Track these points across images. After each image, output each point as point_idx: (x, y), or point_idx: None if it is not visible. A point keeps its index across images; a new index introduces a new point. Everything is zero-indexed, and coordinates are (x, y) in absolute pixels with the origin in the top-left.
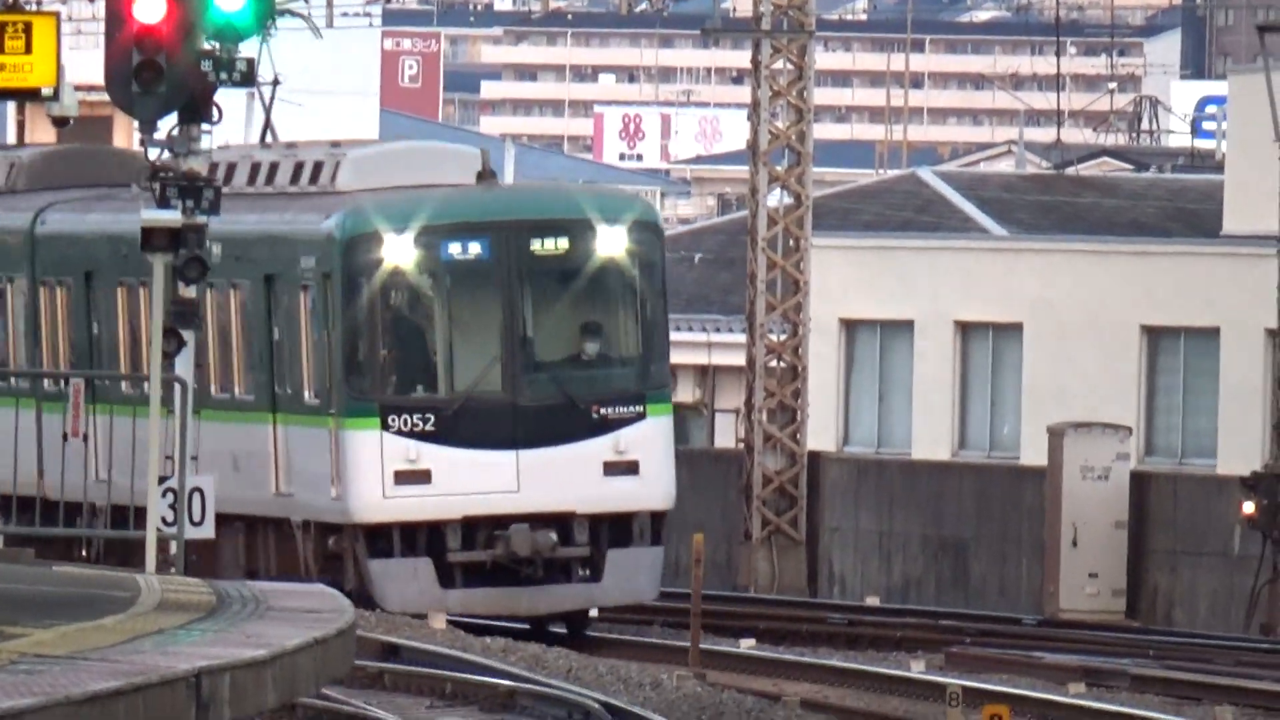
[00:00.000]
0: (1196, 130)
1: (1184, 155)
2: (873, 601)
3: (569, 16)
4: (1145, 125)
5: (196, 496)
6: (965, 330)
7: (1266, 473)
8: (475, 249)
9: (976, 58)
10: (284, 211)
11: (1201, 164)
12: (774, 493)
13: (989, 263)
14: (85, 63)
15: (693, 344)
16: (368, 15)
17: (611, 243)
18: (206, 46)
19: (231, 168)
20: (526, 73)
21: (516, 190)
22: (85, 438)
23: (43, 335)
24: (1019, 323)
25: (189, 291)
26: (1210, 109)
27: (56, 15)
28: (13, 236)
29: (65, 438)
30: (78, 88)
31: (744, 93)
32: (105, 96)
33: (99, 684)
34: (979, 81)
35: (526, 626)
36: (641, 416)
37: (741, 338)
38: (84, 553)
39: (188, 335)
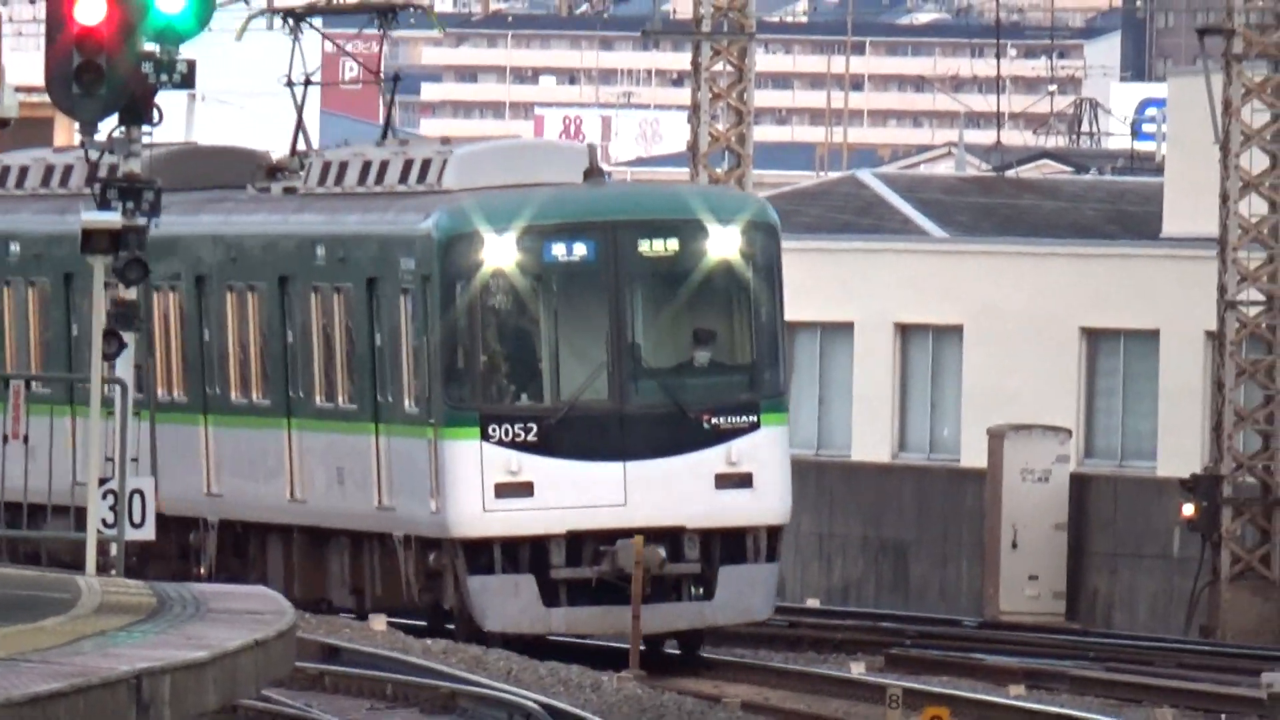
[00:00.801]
0: (1137, 133)
1: (1124, 157)
2: (813, 603)
3: (509, 19)
4: (1085, 128)
5: (137, 498)
6: (905, 332)
7: (1206, 475)
8: (580, 250)
9: (917, 60)
10: (386, 211)
11: (1141, 166)
12: None
13: (929, 265)
14: (26, 64)
15: None
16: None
17: (724, 244)
18: (147, 48)
19: (343, 166)
20: (467, 74)
21: (625, 189)
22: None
23: (156, 344)
24: (959, 325)
25: (129, 293)
26: (1150, 111)
27: None
28: None
29: (5, 439)
30: (18, 89)
31: (684, 95)
32: (46, 98)
33: (40, 686)
34: (919, 84)
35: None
36: (755, 426)
37: None
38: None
39: (128, 337)
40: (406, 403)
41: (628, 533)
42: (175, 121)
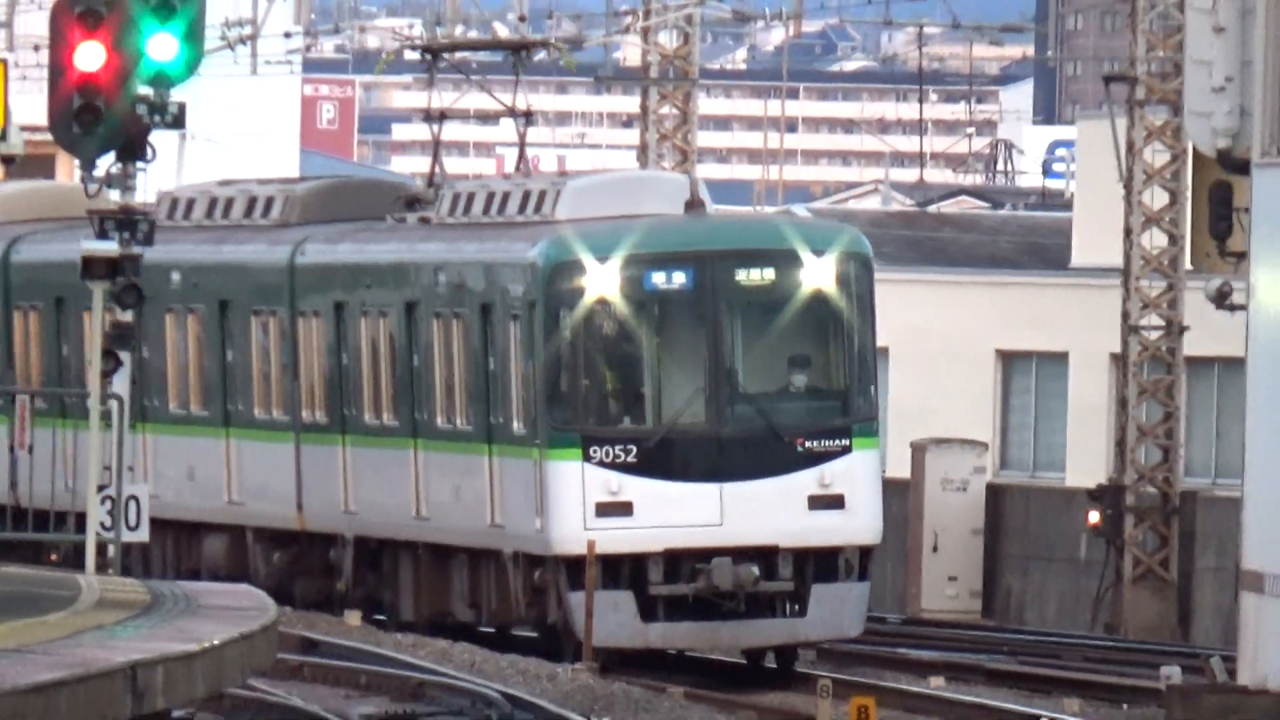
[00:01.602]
0: (1047, 171)
1: (1036, 194)
2: None
3: (474, 65)
4: (1001, 167)
5: (133, 504)
6: None
7: (1110, 485)
8: (679, 278)
9: (846, 104)
10: (500, 240)
11: (1052, 202)
12: None
13: None
14: (30, 106)
15: None
16: (289, 63)
17: (818, 274)
18: (142, 92)
19: (471, 197)
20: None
21: (723, 220)
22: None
23: (300, 368)
24: (885, 347)
25: (125, 316)
26: (1060, 152)
27: (4, 63)
28: (275, 269)
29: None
30: (24, 128)
31: (633, 135)
32: (49, 137)
33: (43, 675)
34: (848, 126)
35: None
36: (847, 450)
37: None
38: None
39: (124, 356)
40: (515, 424)
41: (723, 551)
42: (167, 159)
